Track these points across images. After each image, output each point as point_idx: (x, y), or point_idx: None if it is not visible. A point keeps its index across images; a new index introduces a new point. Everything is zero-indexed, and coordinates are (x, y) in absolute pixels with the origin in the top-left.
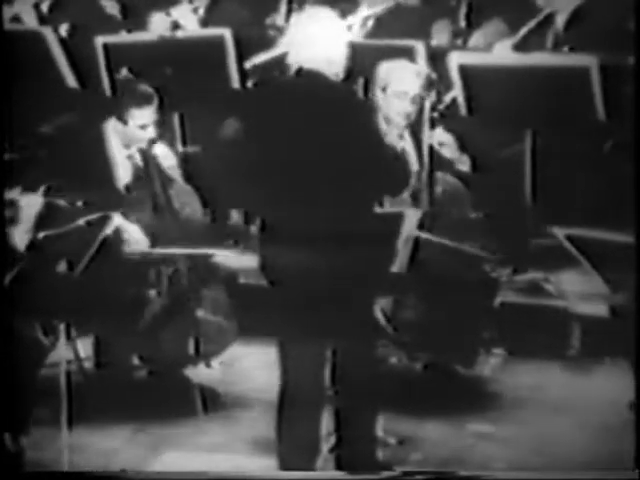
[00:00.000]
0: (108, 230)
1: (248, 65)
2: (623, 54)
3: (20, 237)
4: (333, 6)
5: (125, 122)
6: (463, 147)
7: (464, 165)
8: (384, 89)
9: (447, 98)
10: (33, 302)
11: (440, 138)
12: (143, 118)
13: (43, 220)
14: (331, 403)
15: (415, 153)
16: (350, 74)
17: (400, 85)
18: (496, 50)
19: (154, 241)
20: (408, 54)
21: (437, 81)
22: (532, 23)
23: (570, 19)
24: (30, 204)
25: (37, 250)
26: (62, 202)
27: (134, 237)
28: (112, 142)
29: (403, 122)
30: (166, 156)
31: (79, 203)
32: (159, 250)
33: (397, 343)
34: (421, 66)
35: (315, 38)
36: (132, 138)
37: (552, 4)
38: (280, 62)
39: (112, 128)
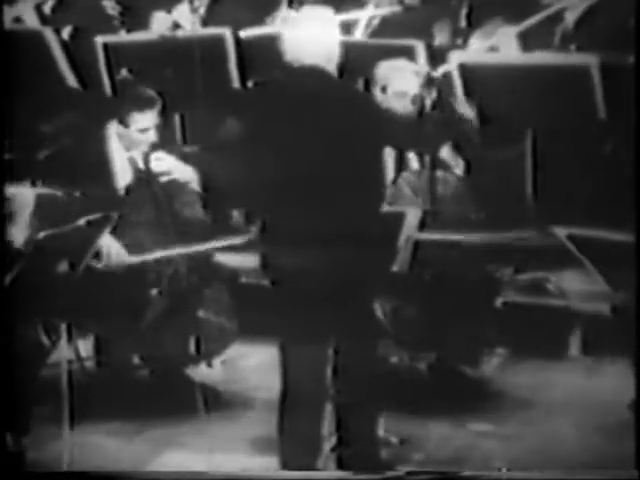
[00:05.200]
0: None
1: (243, 35)
2: (624, 53)
3: (17, 235)
4: (333, 5)
5: (127, 125)
6: (459, 150)
7: (458, 168)
8: (384, 89)
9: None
10: (34, 302)
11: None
12: (144, 122)
13: (43, 220)
14: (332, 402)
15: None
16: (350, 73)
17: (400, 85)
18: (496, 49)
19: (132, 249)
20: (408, 53)
21: (437, 80)
22: (538, 17)
23: (581, 18)
24: (24, 200)
25: (37, 250)
26: (59, 194)
27: (112, 250)
28: (113, 143)
29: (403, 122)
30: (166, 157)
31: (76, 194)
32: (137, 258)
33: (398, 343)
34: (421, 65)
35: (315, 37)
36: (133, 141)
37: (561, 1)
38: (280, 61)
39: (114, 131)
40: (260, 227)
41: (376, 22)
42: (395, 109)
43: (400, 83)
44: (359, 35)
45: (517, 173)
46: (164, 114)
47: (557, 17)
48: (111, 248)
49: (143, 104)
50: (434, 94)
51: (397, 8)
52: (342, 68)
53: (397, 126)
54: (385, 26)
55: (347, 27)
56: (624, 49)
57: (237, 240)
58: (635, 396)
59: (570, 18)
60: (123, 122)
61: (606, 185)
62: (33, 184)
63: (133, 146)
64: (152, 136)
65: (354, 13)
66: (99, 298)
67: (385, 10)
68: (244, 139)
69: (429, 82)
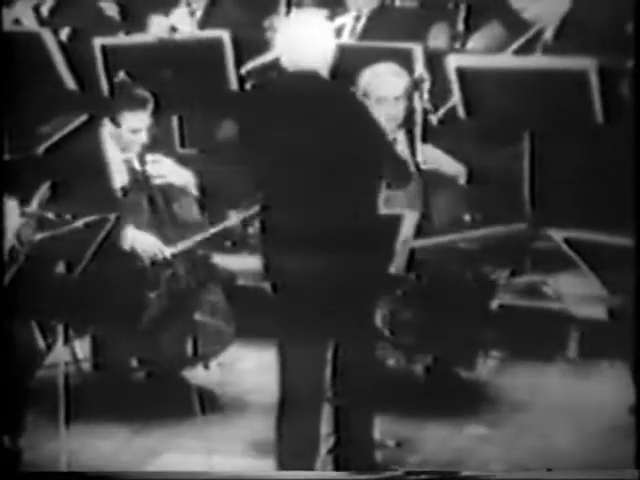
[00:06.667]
0: (125, 246)
1: (244, 71)
2: (621, 57)
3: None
4: (330, 9)
5: (118, 125)
6: (457, 158)
7: (460, 177)
8: (366, 95)
9: (445, 105)
10: (31, 304)
11: (430, 154)
12: (136, 122)
13: (42, 221)
14: (330, 404)
15: (410, 155)
16: (348, 77)
17: (380, 90)
18: (494, 53)
19: (166, 241)
20: (405, 56)
21: (421, 78)
22: (522, 38)
23: (578, 22)
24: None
25: (35, 251)
26: (50, 215)
27: (147, 245)
28: (109, 144)
29: (393, 125)
30: (163, 159)
31: (67, 216)
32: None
33: (396, 345)
34: (399, 66)
35: (311, 41)
36: (125, 142)
37: (539, 19)
38: (276, 64)
39: (108, 131)
40: (258, 229)
41: (371, 25)
42: (384, 113)
43: (380, 88)
44: (355, 39)
45: (514, 176)
46: (159, 116)
47: (545, 31)
48: (148, 243)
49: (136, 104)
50: (425, 96)
51: (394, 11)
52: (339, 72)
53: (392, 129)
54: (382, 29)
55: (344, 30)
56: (622, 53)
57: (234, 242)
58: (634, 397)
59: (551, 32)
60: (115, 121)
61: (603, 189)
62: (32, 187)
63: (126, 147)
64: (143, 138)
65: (351, 16)
66: (96, 300)
67: (382, 13)
68: (241, 141)
69: (414, 81)
